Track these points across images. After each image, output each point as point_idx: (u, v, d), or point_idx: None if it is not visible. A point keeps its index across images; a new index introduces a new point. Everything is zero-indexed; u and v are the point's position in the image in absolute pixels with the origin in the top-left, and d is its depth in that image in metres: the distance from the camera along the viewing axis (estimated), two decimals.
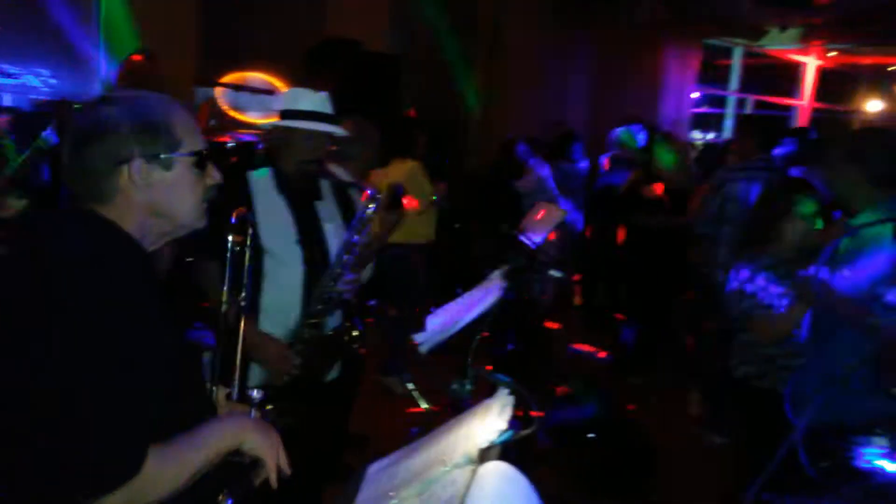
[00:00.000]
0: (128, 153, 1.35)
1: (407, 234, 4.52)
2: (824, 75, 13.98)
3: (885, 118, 14.71)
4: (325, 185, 2.60)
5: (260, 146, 4.98)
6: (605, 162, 6.29)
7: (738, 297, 2.78)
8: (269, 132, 2.49)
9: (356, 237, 2.44)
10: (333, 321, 2.53)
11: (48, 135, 3.11)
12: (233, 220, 1.92)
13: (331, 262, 2.45)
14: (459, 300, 2.95)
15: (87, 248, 1.29)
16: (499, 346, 3.88)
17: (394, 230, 3.97)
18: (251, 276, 2.38)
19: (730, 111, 12.60)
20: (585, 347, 5.84)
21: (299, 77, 6.15)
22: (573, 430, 3.64)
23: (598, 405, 3.79)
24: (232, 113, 6.04)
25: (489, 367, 3.89)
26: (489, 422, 1.29)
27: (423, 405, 4.47)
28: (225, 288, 1.88)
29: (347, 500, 1.39)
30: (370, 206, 2.45)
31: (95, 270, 1.26)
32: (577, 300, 6.99)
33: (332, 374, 2.60)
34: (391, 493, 1.27)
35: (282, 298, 2.41)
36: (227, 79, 6.11)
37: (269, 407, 2.37)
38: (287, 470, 1.46)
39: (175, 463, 1.27)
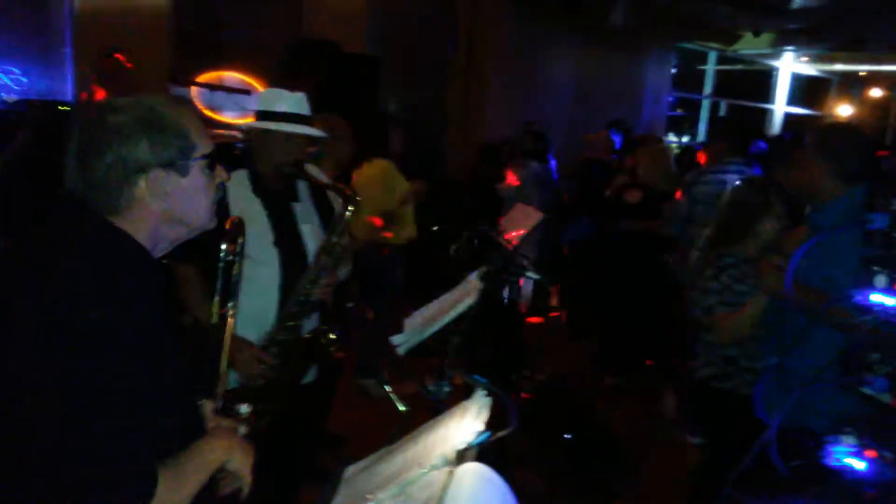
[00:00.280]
0: (144, 163, 1.32)
1: (393, 238, 4.52)
2: (796, 80, 14.22)
3: (856, 122, 14.99)
4: (302, 187, 2.58)
5: (237, 147, 4.94)
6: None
7: (703, 295, 2.81)
8: (246, 133, 2.47)
9: (335, 239, 2.43)
10: (310, 324, 2.51)
11: None
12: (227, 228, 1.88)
13: (308, 265, 2.43)
14: (437, 302, 2.95)
15: (98, 268, 1.24)
16: (476, 347, 3.88)
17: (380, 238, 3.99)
18: (228, 279, 2.36)
19: (704, 115, 12.76)
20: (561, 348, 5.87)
21: (276, 77, 6.12)
22: (548, 430, 3.66)
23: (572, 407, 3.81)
24: (207, 113, 5.97)
25: (466, 369, 3.90)
26: (466, 423, 1.29)
27: (401, 407, 4.46)
28: (217, 298, 1.86)
29: (325, 502, 1.38)
30: (349, 207, 2.44)
31: (107, 292, 1.22)
32: (555, 302, 7.03)
33: (309, 376, 2.58)
34: (368, 496, 1.27)
35: (258, 301, 2.39)
36: (203, 78, 6.05)
37: (245, 409, 2.36)
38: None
39: (182, 485, 1.28)
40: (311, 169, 3.21)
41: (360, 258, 4.48)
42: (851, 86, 15.69)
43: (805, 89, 14.81)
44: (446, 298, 2.93)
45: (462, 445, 1.24)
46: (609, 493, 3.64)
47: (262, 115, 2.43)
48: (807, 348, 1.57)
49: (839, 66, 14.26)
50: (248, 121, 2.51)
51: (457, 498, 1.12)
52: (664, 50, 10.83)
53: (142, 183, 1.32)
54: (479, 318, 3.16)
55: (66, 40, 5.40)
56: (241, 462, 1.42)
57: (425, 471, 1.23)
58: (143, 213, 1.34)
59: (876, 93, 15.82)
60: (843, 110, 15.57)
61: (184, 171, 1.36)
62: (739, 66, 13.23)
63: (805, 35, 11.20)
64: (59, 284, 1.21)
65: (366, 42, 7.26)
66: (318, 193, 2.65)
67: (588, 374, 5.22)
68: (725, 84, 13.17)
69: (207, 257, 2.35)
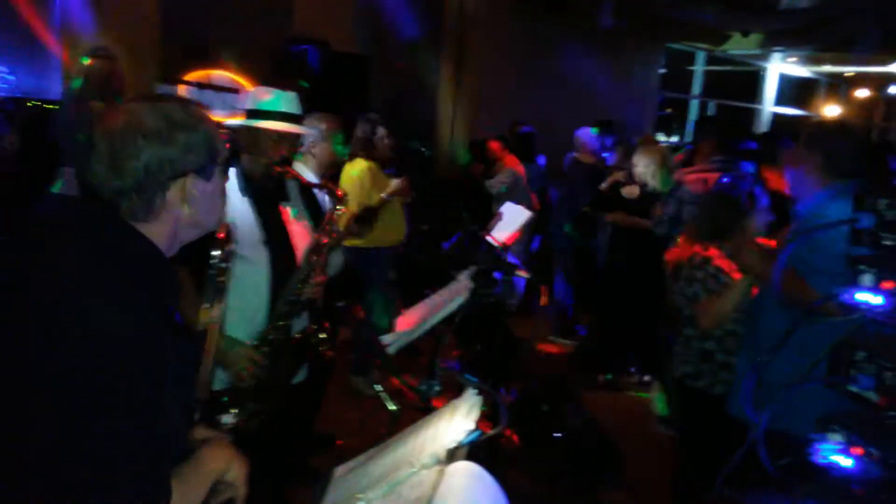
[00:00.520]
0: (180, 168, 1.31)
1: (375, 236, 4.51)
2: (784, 80, 14.31)
3: (833, 117, 15.09)
4: (291, 186, 2.57)
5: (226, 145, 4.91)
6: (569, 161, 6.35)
7: (687, 284, 2.83)
8: (235, 132, 2.45)
9: (324, 238, 2.42)
10: (300, 323, 2.51)
11: None
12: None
13: (298, 264, 2.43)
14: (427, 301, 2.95)
15: (117, 272, 1.22)
16: (466, 346, 3.89)
17: (353, 237, 3.98)
18: (225, 274, 2.35)
19: (692, 115, 12.82)
20: (552, 348, 5.88)
21: (266, 76, 6.09)
22: (539, 428, 3.66)
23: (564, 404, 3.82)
24: None
25: (457, 368, 3.90)
26: (457, 422, 1.29)
27: (391, 406, 4.45)
28: (207, 305, 1.86)
29: (315, 502, 1.38)
30: (338, 207, 2.44)
31: (120, 296, 1.20)
32: (544, 300, 7.05)
33: (300, 376, 2.58)
34: (358, 495, 1.27)
35: (247, 300, 2.38)
36: (192, 76, 6.02)
37: (234, 411, 2.36)
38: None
39: (190, 496, 1.29)
40: (300, 168, 3.21)
41: (352, 258, 4.49)
42: (838, 86, 15.82)
43: (793, 90, 14.91)
44: (437, 297, 2.94)
45: (453, 444, 1.24)
46: (599, 492, 3.65)
47: (252, 114, 2.42)
48: (794, 347, 1.58)
49: (826, 67, 14.36)
50: (238, 119, 2.49)
51: (447, 496, 1.13)
52: (653, 50, 10.87)
53: (175, 188, 1.32)
54: (470, 317, 3.16)
55: (55, 38, 5.35)
56: (238, 472, 1.43)
57: (415, 470, 1.23)
58: (169, 217, 1.33)
59: (862, 93, 15.95)
60: (830, 110, 15.68)
61: (209, 176, 1.36)
62: (728, 67, 13.30)
63: (793, 36, 11.28)
64: (67, 285, 1.19)
65: (355, 41, 7.25)
66: (307, 193, 2.64)
67: (577, 371, 5.23)
68: (714, 84, 13.24)
69: (200, 259, 2.35)
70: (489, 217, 5.80)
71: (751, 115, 14.13)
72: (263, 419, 2.40)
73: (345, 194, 2.49)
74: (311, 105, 4.07)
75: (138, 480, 1.16)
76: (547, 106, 8.99)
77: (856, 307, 1.43)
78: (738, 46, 11.79)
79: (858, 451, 1.37)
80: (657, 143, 5.82)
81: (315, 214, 2.60)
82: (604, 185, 5.20)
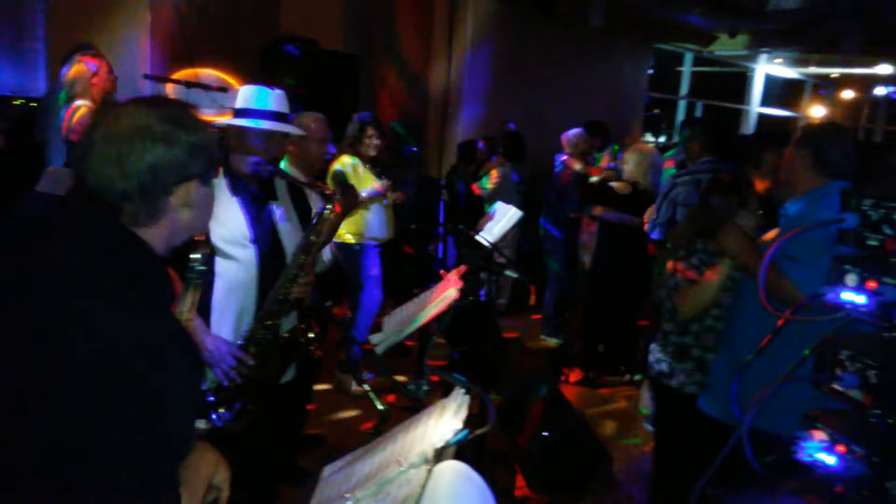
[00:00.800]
0: (187, 172, 1.30)
1: (363, 235, 4.51)
2: (771, 81, 14.42)
3: (825, 119, 15.23)
4: (280, 186, 2.57)
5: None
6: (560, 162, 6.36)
7: (671, 275, 2.85)
8: (223, 131, 2.44)
9: (313, 238, 2.42)
10: (289, 323, 2.50)
11: None
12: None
13: (286, 263, 2.42)
14: (416, 300, 2.95)
15: (114, 277, 1.21)
16: (454, 346, 3.89)
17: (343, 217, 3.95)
18: (202, 277, 2.34)
19: (680, 115, 12.88)
20: (541, 347, 5.90)
21: (254, 75, 6.07)
22: (527, 427, 3.67)
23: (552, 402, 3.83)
24: None
25: (444, 367, 3.91)
26: (445, 421, 1.30)
27: (379, 406, 4.46)
28: (183, 307, 1.85)
29: (303, 501, 1.38)
30: (327, 206, 2.43)
31: (119, 299, 1.19)
32: (533, 300, 7.06)
33: (288, 376, 2.57)
34: (346, 495, 1.27)
35: (235, 300, 2.38)
36: (179, 75, 5.98)
37: (221, 410, 2.35)
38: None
39: (191, 501, 1.31)
40: (288, 167, 3.20)
41: (340, 257, 4.49)
42: (824, 87, 15.95)
43: (779, 91, 15.02)
44: (425, 297, 2.94)
45: (440, 443, 1.25)
46: (587, 490, 3.67)
47: (241, 113, 2.41)
48: (777, 346, 1.59)
49: (813, 69, 14.48)
50: (225, 118, 2.48)
51: (435, 495, 1.13)
52: (641, 51, 10.91)
53: (179, 192, 1.30)
54: (459, 317, 3.16)
55: (39, 35, 5.31)
56: (224, 475, 1.44)
57: (403, 469, 1.23)
58: (171, 223, 1.32)
59: (848, 94, 16.09)
60: (816, 111, 15.82)
61: (209, 181, 1.36)
62: (715, 68, 13.38)
63: (780, 37, 11.36)
64: (68, 286, 1.18)
65: (344, 40, 7.23)
66: (296, 193, 2.64)
67: (564, 370, 5.24)
68: (701, 85, 13.31)
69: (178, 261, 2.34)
70: (479, 217, 5.83)
71: (737, 115, 14.22)
72: (251, 419, 2.39)
73: (333, 193, 2.49)
74: (299, 104, 4.08)
75: (146, 485, 1.17)
76: (536, 106, 9.01)
77: (840, 306, 1.45)
78: (726, 47, 11.86)
79: (842, 448, 1.39)
80: (643, 144, 5.84)
81: (303, 214, 2.60)
82: (595, 178, 5.23)
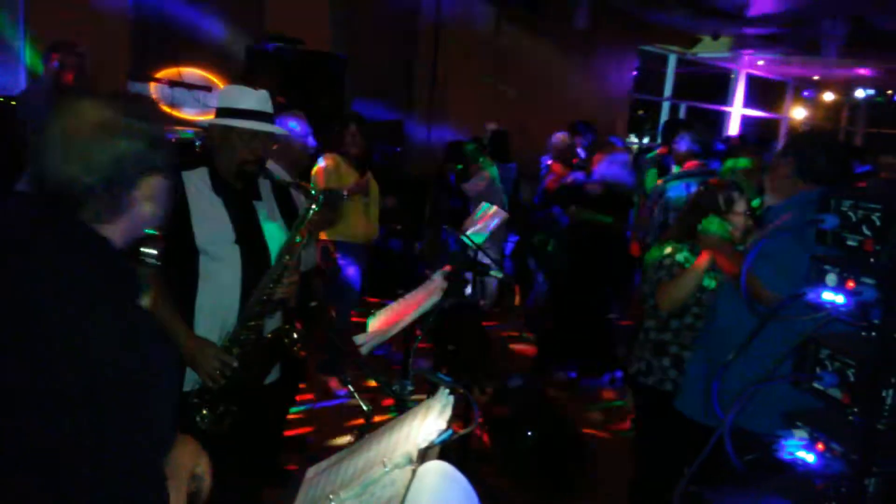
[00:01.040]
0: (150, 164, 1.29)
1: (346, 235, 4.50)
2: (753, 83, 14.55)
3: (810, 124, 15.41)
4: (264, 185, 2.55)
5: (197, 144, 4.86)
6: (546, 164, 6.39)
7: (654, 270, 2.89)
8: (206, 130, 2.43)
9: (298, 238, 2.41)
10: (273, 323, 2.49)
11: None
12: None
13: (271, 263, 2.41)
14: (401, 301, 2.95)
15: (93, 283, 1.20)
16: (439, 346, 3.90)
17: (324, 226, 3.95)
18: (186, 278, 2.33)
19: (664, 117, 12.97)
20: (525, 347, 5.91)
21: (239, 74, 6.04)
22: (512, 427, 3.68)
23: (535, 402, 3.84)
24: (167, 109, 5.86)
25: (429, 368, 3.91)
26: (429, 422, 1.30)
27: (364, 406, 4.44)
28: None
29: (287, 502, 1.38)
30: (312, 206, 2.42)
31: (103, 307, 1.19)
32: (518, 300, 7.08)
33: (272, 376, 2.56)
34: (330, 496, 1.27)
35: (219, 300, 2.36)
36: (163, 74, 5.94)
37: (204, 412, 2.33)
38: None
39: (179, 495, 1.33)
40: (274, 167, 3.18)
41: (323, 257, 4.48)
42: (806, 90, 16.13)
43: (761, 92, 15.16)
44: (410, 297, 2.93)
45: (425, 444, 1.25)
46: (571, 490, 3.68)
47: (224, 112, 2.40)
48: (757, 345, 1.61)
49: (794, 71, 14.63)
50: (209, 118, 2.46)
51: (419, 496, 1.13)
52: (625, 52, 10.98)
53: (142, 185, 1.29)
54: (443, 317, 3.16)
55: (20, 34, 5.25)
56: (205, 466, 1.46)
57: (388, 470, 1.23)
58: (132, 217, 1.31)
59: (829, 97, 16.28)
60: (798, 113, 15.99)
61: (168, 174, 1.35)
62: (699, 68, 13.49)
63: (762, 40, 11.47)
64: (47, 289, 1.17)
65: (330, 40, 7.21)
66: (281, 192, 2.62)
67: (548, 370, 5.26)
68: (685, 87, 13.41)
69: (165, 257, 2.32)
70: (464, 217, 5.83)
71: (720, 117, 14.35)
72: (235, 420, 2.38)
73: (319, 193, 2.48)
74: (284, 103, 4.06)
75: (135, 479, 1.17)
76: (521, 107, 9.04)
77: (820, 306, 1.46)
78: (709, 49, 11.96)
79: (821, 446, 1.40)
80: (615, 146, 5.87)
81: (288, 213, 2.59)
82: (568, 180, 5.24)
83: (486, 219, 5.32)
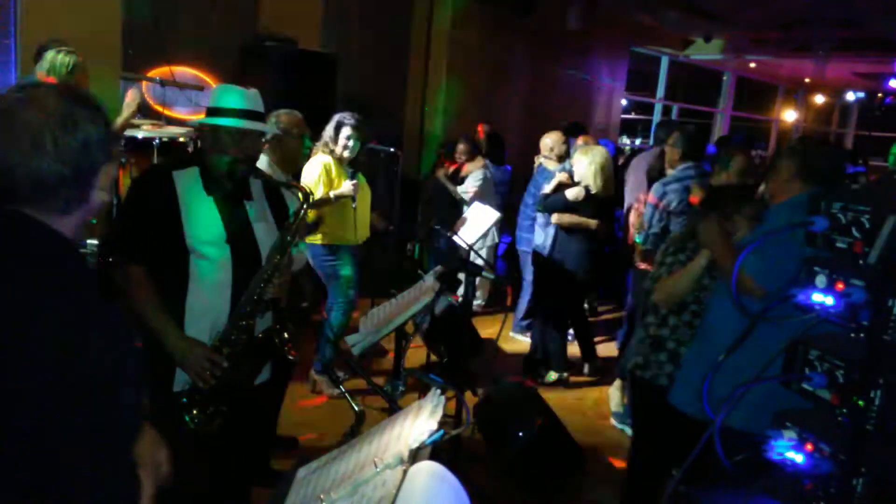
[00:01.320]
0: (109, 151, 1.29)
1: (338, 236, 4.49)
2: (744, 85, 14.63)
3: (800, 126, 15.51)
4: (256, 185, 2.55)
5: (190, 143, 4.84)
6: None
7: (657, 268, 2.95)
8: (196, 130, 2.42)
9: (289, 237, 2.40)
10: (263, 323, 2.48)
11: None
12: None
13: (262, 263, 2.41)
14: (393, 301, 2.96)
15: (59, 284, 1.21)
16: (431, 346, 3.90)
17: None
18: (176, 278, 2.32)
19: (656, 118, 13.02)
20: (517, 347, 5.92)
21: (231, 74, 6.02)
22: (502, 428, 3.69)
23: (527, 403, 3.85)
24: (158, 108, 5.84)
25: (420, 368, 3.91)
26: (421, 422, 1.30)
27: (355, 406, 4.44)
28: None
29: (278, 503, 1.38)
30: (304, 206, 2.42)
31: (68, 304, 1.20)
32: (510, 301, 7.08)
33: (263, 376, 2.55)
34: (321, 496, 1.27)
35: (210, 300, 2.36)
36: (154, 73, 5.91)
37: (195, 412, 2.33)
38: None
39: (151, 483, 1.35)
40: (266, 167, 3.18)
41: (315, 258, 4.47)
42: (796, 92, 16.22)
43: (752, 94, 15.25)
44: (402, 298, 2.94)
45: (416, 444, 1.25)
46: (562, 491, 3.69)
47: (214, 112, 2.39)
48: (750, 345, 1.62)
49: (785, 73, 14.73)
50: (200, 117, 2.45)
51: (410, 496, 1.13)
52: (618, 54, 11.01)
53: (102, 174, 1.30)
54: (436, 318, 3.17)
55: (10, 31, 5.22)
56: (164, 453, 1.48)
57: (379, 470, 1.23)
58: (88, 208, 1.31)
59: (820, 99, 16.39)
60: (789, 115, 16.08)
61: (115, 162, 1.36)
62: (691, 71, 13.55)
63: (753, 42, 11.54)
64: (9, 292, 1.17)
65: (322, 40, 7.20)
66: (273, 192, 2.62)
67: (538, 370, 5.27)
68: (677, 88, 13.47)
69: (155, 257, 2.31)
70: (456, 217, 5.83)
71: (711, 118, 14.42)
72: (225, 420, 2.37)
73: (310, 192, 2.48)
74: (276, 103, 4.04)
75: (109, 469, 1.17)
76: (514, 108, 9.05)
77: (810, 307, 1.47)
78: (701, 51, 12.02)
79: (810, 447, 1.41)
80: (596, 144, 5.88)
81: (279, 213, 2.58)
82: (548, 188, 5.24)
83: (479, 220, 5.32)
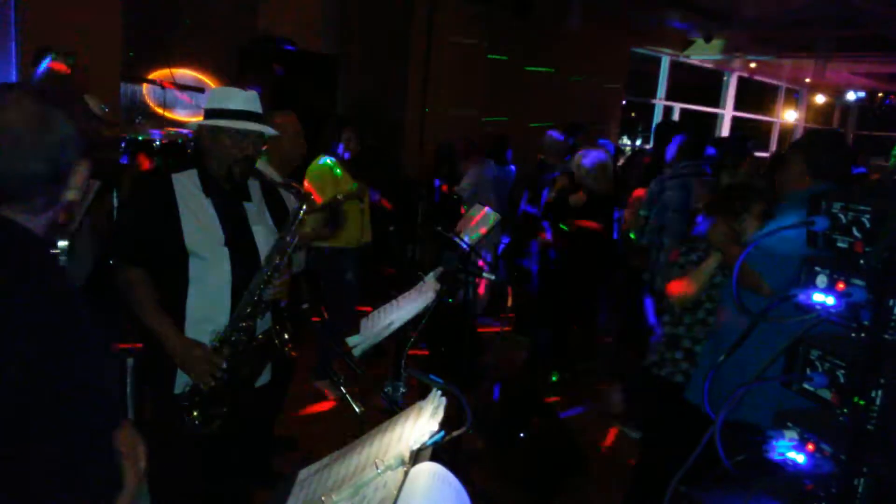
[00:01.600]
0: (82, 147, 1.31)
1: (345, 239, 4.49)
2: (745, 85, 14.62)
3: (801, 126, 15.50)
4: (254, 186, 2.55)
5: (190, 146, 4.85)
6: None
7: (668, 269, 2.98)
8: (195, 132, 2.42)
9: (289, 238, 2.40)
10: (263, 324, 2.48)
11: None
12: None
13: (260, 264, 2.41)
14: (393, 303, 2.95)
15: (28, 280, 1.22)
16: (432, 347, 3.90)
17: (322, 238, 3.97)
18: (176, 280, 2.32)
19: (657, 119, 13.01)
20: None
21: (231, 75, 6.03)
22: (503, 429, 3.69)
23: (527, 404, 3.85)
24: (159, 110, 5.85)
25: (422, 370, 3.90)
26: (421, 423, 1.30)
27: (356, 408, 4.44)
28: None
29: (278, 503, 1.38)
30: (302, 206, 2.42)
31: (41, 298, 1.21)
32: (510, 302, 7.08)
33: (263, 378, 2.55)
34: (322, 497, 1.26)
35: (209, 302, 2.36)
36: (155, 75, 5.92)
37: (196, 413, 2.33)
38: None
39: (132, 474, 1.37)
40: (264, 168, 3.18)
41: (317, 259, 4.47)
42: (797, 92, 16.21)
43: (753, 95, 15.24)
44: (403, 299, 2.93)
45: (417, 445, 1.25)
46: (563, 491, 3.69)
47: (212, 113, 2.39)
48: (753, 344, 1.62)
49: (786, 73, 14.72)
50: (200, 119, 2.45)
51: (411, 498, 1.13)
52: (618, 54, 11.01)
53: (75, 173, 1.31)
54: (436, 319, 3.15)
55: (10, 33, 5.23)
56: (143, 447, 1.49)
57: (380, 471, 1.23)
58: (57, 206, 1.32)
59: (821, 99, 16.38)
60: (790, 116, 16.08)
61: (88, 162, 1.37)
62: (691, 72, 13.54)
63: (754, 42, 11.53)
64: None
65: (323, 41, 7.21)
66: (271, 193, 2.62)
67: (539, 371, 5.27)
68: (677, 89, 13.46)
69: (154, 260, 2.31)
70: (457, 218, 5.82)
71: (712, 119, 14.41)
72: (226, 421, 2.37)
73: (308, 193, 2.48)
74: (276, 104, 4.06)
75: (89, 458, 1.19)
76: (514, 108, 9.05)
77: (811, 307, 1.47)
78: (701, 52, 12.01)
79: (811, 447, 1.41)
80: (596, 146, 5.89)
81: (279, 214, 2.58)
82: (552, 195, 5.25)
83: (479, 220, 5.31)
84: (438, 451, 1.25)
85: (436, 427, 1.27)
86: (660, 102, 13.05)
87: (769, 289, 2.25)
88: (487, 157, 6.74)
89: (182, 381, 2.34)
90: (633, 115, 13.75)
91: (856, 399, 1.36)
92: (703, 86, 14.29)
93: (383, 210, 5.32)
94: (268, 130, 2.47)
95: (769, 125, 16.02)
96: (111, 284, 2.34)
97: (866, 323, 1.39)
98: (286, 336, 2.46)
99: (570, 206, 4.97)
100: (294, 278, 2.75)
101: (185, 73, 6.08)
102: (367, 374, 2.95)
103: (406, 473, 1.19)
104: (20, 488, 1.16)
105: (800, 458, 1.42)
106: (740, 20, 10.11)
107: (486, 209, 4.98)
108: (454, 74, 8.34)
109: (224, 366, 2.31)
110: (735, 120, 14.56)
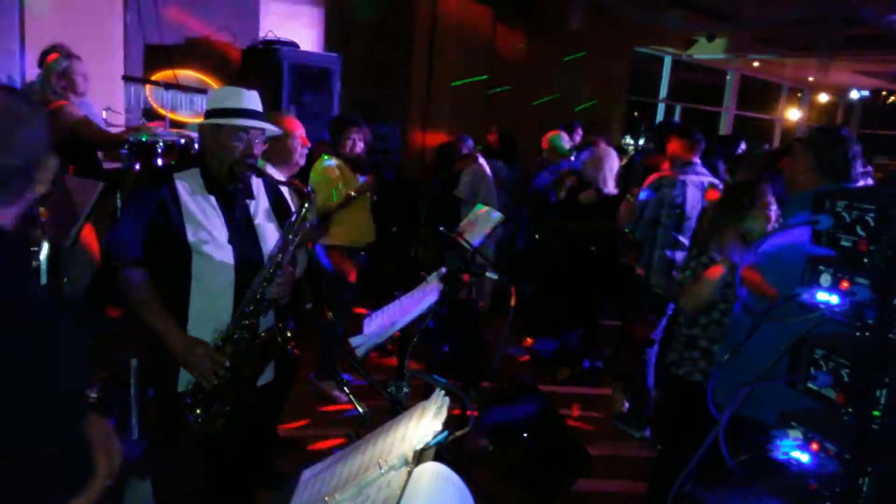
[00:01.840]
0: (50, 145, 1.32)
1: (343, 237, 4.49)
2: (747, 84, 14.61)
3: (804, 125, 15.47)
4: (258, 185, 2.55)
5: (195, 146, 4.85)
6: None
7: (682, 274, 3.00)
8: (198, 131, 2.43)
9: (292, 236, 2.40)
10: (266, 322, 2.48)
11: None
12: None
13: (264, 263, 2.41)
14: (396, 303, 2.95)
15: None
16: (435, 347, 3.90)
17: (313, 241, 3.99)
18: (179, 278, 2.33)
19: (660, 118, 13.00)
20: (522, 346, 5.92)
21: (233, 76, 6.03)
22: (507, 429, 3.68)
23: (532, 405, 3.84)
24: (162, 112, 5.85)
25: (424, 369, 3.91)
26: (425, 423, 1.30)
27: (359, 408, 4.43)
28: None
29: (281, 503, 1.38)
30: (305, 204, 2.42)
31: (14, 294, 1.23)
32: (514, 302, 7.06)
33: (265, 377, 2.55)
34: (325, 497, 1.26)
35: (212, 300, 2.36)
36: (158, 76, 5.92)
37: (198, 412, 2.33)
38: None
39: (105, 464, 1.38)
40: (266, 166, 3.18)
41: (320, 259, 4.47)
42: (800, 91, 16.19)
43: (756, 94, 15.22)
44: (406, 299, 2.93)
45: (420, 445, 1.25)
46: (567, 491, 3.68)
47: (213, 113, 2.39)
48: (758, 343, 1.62)
49: (789, 72, 14.69)
50: (199, 119, 2.46)
51: (415, 498, 1.13)
52: (621, 54, 11.00)
53: (46, 166, 1.33)
54: (439, 318, 3.16)
55: (16, 36, 5.24)
56: (116, 444, 1.50)
57: (383, 471, 1.23)
58: (27, 198, 1.33)
59: (824, 98, 16.35)
60: (792, 114, 16.05)
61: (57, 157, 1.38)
62: (694, 71, 13.52)
63: (757, 41, 11.51)
64: None
65: (323, 42, 7.21)
66: (274, 192, 2.62)
67: (540, 370, 5.27)
68: (680, 88, 13.45)
69: (156, 258, 2.32)
70: (459, 219, 5.82)
71: (715, 118, 14.39)
72: (228, 420, 2.37)
73: (311, 192, 2.48)
74: (277, 104, 4.07)
75: (67, 446, 1.21)
76: (517, 109, 9.04)
77: (815, 306, 1.47)
78: (704, 51, 12.00)
79: (815, 446, 1.41)
80: (602, 144, 5.88)
81: (281, 212, 2.58)
82: (562, 194, 5.25)
83: (482, 220, 5.31)
84: (442, 451, 1.25)
85: (439, 427, 1.27)
86: (662, 102, 13.05)
87: (767, 285, 2.25)
88: (497, 157, 6.75)
89: (185, 380, 2.34)
90: (635, 114, 13.74)
91: (860, 397, 1.35)
92: (706, 85, 14.28)
93: (385, 211, 5.32)
94: (268, 126, 2.47)
95: (771, 124, 16.00)
96: (111, 285, 2.34)
97: (870, 322, 1.38)
98: (288, 334, 2.46)
99: (581, 204, 4.98)
100: (298, 277, 2.75)
101: (189, 75, 6.08)
102: (370, 374, 2.95)
103: (409, 473, 1.19)
104: (15, 487, 1.18)
105: (804, 458, 1.41)
106: (743, 20, 10.10)
107: (488, 209, 4.98)
108: (457, 75, 8.34)
109: (227, 364, 2.31)
110: (737, 119, 14.54)
